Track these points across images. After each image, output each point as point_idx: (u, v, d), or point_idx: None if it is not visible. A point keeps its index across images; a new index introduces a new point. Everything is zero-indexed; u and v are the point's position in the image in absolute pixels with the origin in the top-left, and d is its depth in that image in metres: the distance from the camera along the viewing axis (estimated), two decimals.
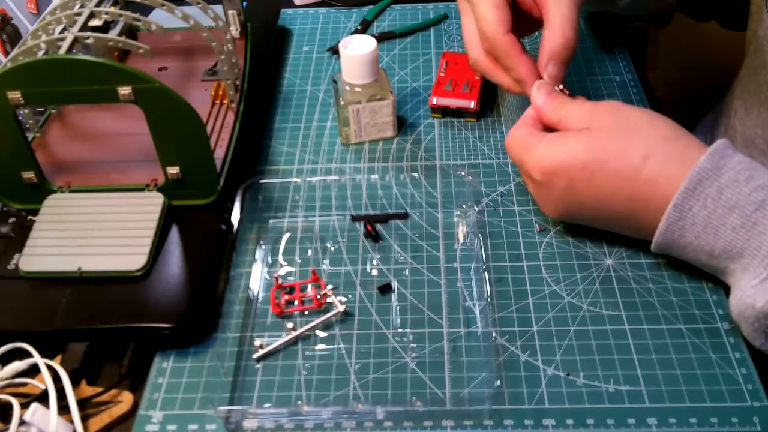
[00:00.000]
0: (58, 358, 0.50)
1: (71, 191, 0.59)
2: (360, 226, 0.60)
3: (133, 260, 0.53)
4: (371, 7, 0.87)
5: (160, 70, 0.73)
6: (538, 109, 0.57)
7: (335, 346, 0.52)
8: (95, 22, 0.60)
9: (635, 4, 0.72)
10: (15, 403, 0.47)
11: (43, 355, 0.49)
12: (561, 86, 0.59)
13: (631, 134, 0.52)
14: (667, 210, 0.49)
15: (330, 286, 0.55)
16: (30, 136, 0.64)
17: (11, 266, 0.54)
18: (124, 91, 0.52)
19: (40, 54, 0.56)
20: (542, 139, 0.55)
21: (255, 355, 0.51)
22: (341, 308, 0.53)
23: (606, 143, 0.52)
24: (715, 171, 0.48)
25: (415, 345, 0.52)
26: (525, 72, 0.59)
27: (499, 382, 0.49)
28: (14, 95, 0.52)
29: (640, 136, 0.52)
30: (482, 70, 0.63)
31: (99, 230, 0.56)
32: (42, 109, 0.68)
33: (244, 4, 0.74)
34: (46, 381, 0.48)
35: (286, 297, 0.55)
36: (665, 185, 0.50)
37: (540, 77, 0.59)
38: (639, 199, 0.51)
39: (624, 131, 0.52)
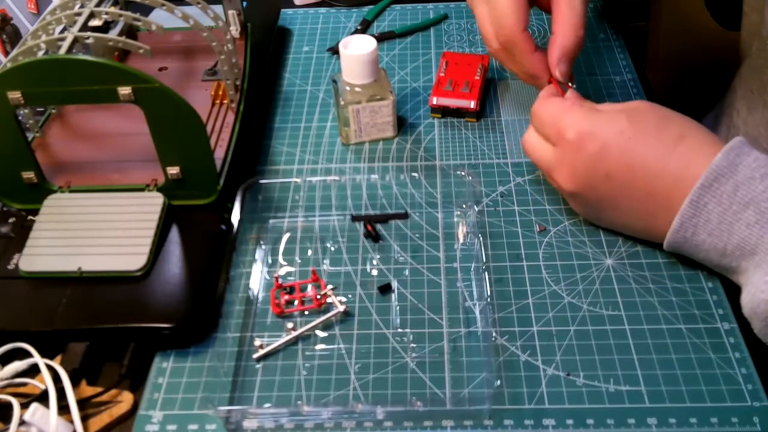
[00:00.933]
0: (58, 358, 0.50)
1: (71, 191, 0.59)
2: (360, 226, 0.60)
3: (133, 260, 0.53)
4: (371, 7, 0.87)
5: (160, 70, 0.73)
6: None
7: (335, 346, 0.52)
8: (95, 22, 0.60)
9: None
10: (15, 403, 0.47)
11: (43, 355, 0.49)
12: (574, 85, 0.60)
13: (670, 116, 0.54)
14: (681, 207, 0.50)
15: (330, 286, 0.55)
16: (30, 136, 0.64)
17: (11, 266, 0.54)
18: (124, 91, 0.52)
19: (40, 54, 0.56)
20: (582, 105, 0.56)
21: (255, 355, 0.51)
22: (341, 308, 0.53)
23: (646, 117, 0.53)
24: (731, 168, 0.49)
25: (415, 345, 0.52)
26: (538, 68, 0.61)
27: (499, 382, 0.49)
28: (14, 95, 0.52)
29: (677, 120, 0.53)
30: (501, 60, 0.65)
31: (99, 230, 0.56)
32: (42, 109, 0.68)
33: (244, 4, 0.74)
34: (46, 381, 0.48)
35: (286, 297, 0.55)
36: (696, 166, 0.50)
37: (551, 72, 0.61)
38: (667, 176, 0.51)
39: (662, 112, 0.54)
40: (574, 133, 0.54)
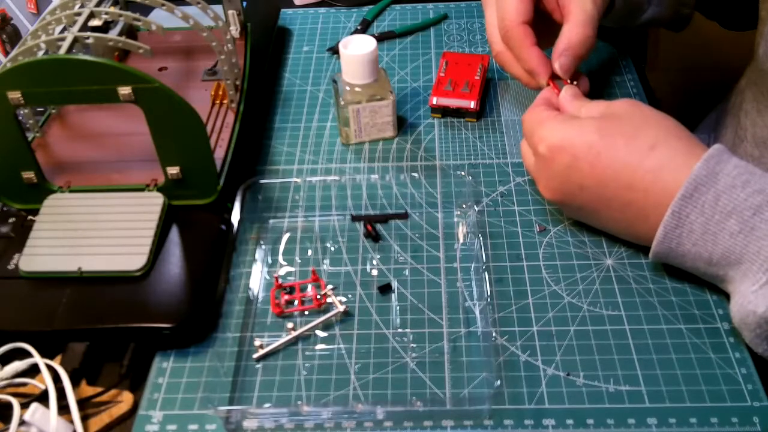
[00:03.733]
0: (58, 358, 0.50)
1: (71, 191, 0.59)
2: (360, 226, 0.60)
3: (133, 260, 0.53)
4: (371, 7, 0.87)
5: (160, 70, 0.73)
6: (562, 106, 0.59)
7: (335, 346, 0.52)
8: (95, 22, 0.60)
9: (653, 20, 0.73)
10: (15, 403, 0.47)
11: (43, 355, 0.49)
12: (575, 82, 0.60)
13: (644, 124, 0.53)
14: (664, 218, 0.49)
15: (330, 286, 0.55)
16: (30, 136, 0.64)
17: (11, 266, 0.54)
18: (124, 91, 0.52)
19: (40, 54, 0.56)
20: (558, 116, 0.56)
21: (255, 355, 0.51)
22: (341, 308, 0.53)
23: (618, 127, 0.53)
24: (711, 177, 0.48)
25: (415, 345, 0.52)
26: (535, 62, 0.61)
27: (499, 382, 0.49)
28: (14, 95, 0.52)
29: (651, 127, 0.52)
30: (503, 62, 0.65)
31: (99, 230, 0.56)
32: (42, 109, 0.68)
33: (244, 4, 0.74)
34: (46, 381, 0.48)
35: (286, 297, 0.55)
36: (667, 177, 0.50)
37: (551, 69, 0.61)
38: (638, 188, 0.51)
39: (638, 120, 0.53)
40: (546, 147, 0.54)
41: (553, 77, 0.61)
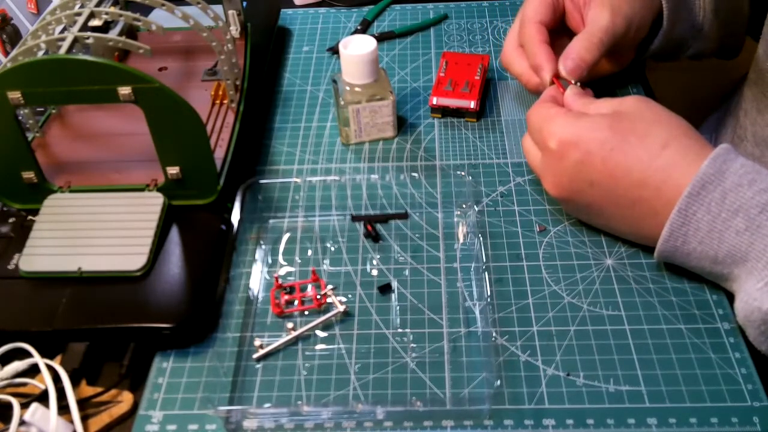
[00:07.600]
0: (58, 358, 0.50)
1: (71, 191, 0.59)
2: (360, 226, 0.60)
3: (133, 260, 0.53)
4: (371, 7, 0.87)
5: (160, 70, 0.73)
6: (568, 104, 0.59)
7: (335, 346, 0.52)
8: (95, 22, 0.60)
9: (698, 55, 0.73)
10: (15, 403, 0.47)
11: (43, 355, 0.49)
12: (579, 84, 0.61)
13: (655, 122, 0.53)
14: (670, 216, 0.49)
15: (330, 286, 0.55)
16: (30, 136, 0.64)
17: (11, 266, 0.54)
18: (124, 91, 0.52)
19: (40, 54, 0.56)
20: (568, 112, 0.56)
21: (255, 355, 0.51)
22: (341, 308, 0.53)
23: (630, 125, 0.53)
24: (718, 175, 0.48)
25: (415, 345, 0.52)
26: (543, 57, 0.62)
27: (499, 382, 0.49)
28: (14, 95, 0.52)
29: (663, 126, 0.53)
30: (508, 61, 0.67)
31: (99, 230, 0.56)
32: (42, 109, 0.68)
33: (244, 4, 0.74)
34: (46, 381, 0.48)
35: (286, 297, 0.55)
36: (678, 175, 0.50)
37: (557, 68, 0.62)
38: (649, 185, 0.51)
39: (650, 118, 0.53)
40: (556, 142, 0.54)
41: (558, 76, 0.61)
